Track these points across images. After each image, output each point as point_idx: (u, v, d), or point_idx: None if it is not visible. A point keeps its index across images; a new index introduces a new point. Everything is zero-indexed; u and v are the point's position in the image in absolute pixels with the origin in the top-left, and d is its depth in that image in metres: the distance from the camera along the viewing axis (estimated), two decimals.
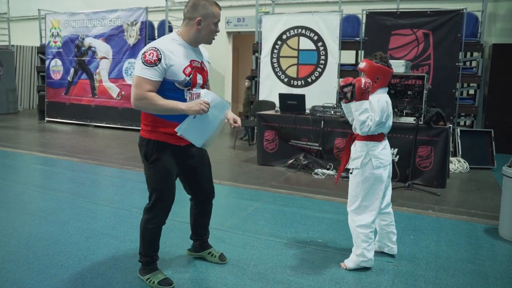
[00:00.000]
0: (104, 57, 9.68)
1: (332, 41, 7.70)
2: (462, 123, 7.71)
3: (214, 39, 2.67)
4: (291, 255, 3.34)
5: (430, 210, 4.55)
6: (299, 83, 8.09)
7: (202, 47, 2.75)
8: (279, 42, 8.18)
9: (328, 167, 6.04)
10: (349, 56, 8.51)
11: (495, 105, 7.80)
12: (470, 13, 7.00)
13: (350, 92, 2.93)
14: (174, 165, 2.66)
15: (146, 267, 2.80)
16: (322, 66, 7.86)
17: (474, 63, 7.87)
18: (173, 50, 2.50)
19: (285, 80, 8.19)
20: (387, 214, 3.28)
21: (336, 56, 7.70)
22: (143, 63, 2.41)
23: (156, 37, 9.69)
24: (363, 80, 2.89)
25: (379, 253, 3.39)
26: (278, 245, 3.53)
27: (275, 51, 8.23)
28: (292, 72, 8.14)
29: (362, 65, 3.05)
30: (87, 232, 3.65)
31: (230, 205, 4.61)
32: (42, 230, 3.69)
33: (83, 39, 10.01)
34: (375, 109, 2.94)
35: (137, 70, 2.44)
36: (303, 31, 7.93)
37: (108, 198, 4.67)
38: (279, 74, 8.23)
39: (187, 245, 3.28)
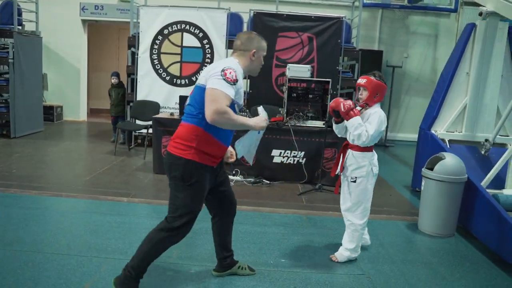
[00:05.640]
0: None
1: (218, 39, 7.45)
2: None
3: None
4: (269, 284, 3.07)
5: None
6: (183, 82, 7.62)
7: None
8: (159, 37, 7.54)
9: (234, 173, 5.83)
10: None
11: None
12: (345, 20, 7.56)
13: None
14: (208, 185, 2.68)
15: (129, 283, 2.64)
16: (207, 65, 7.50)
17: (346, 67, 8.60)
18: (239, 76, 2.56)
19: (167, 78, 7.61)
20: None
21: (223, 55, 7.47)
22: (224, 79, 2.43)
23: None
24: (341, 104, 3.19)
25: (348, 268, 3.39)
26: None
27: (155, 46, 7.56)
28: (175, 70, 7.60)
29: (362, 81, 3.21)
30: None
31: None
32: None
33: None
34: (372, 122, 3.15)
35: (216, 85, 2.43)
36: (187, 27, 7.47)
37: None
38: (160, 72, 7.60)
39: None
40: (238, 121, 2.49)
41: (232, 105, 2.51)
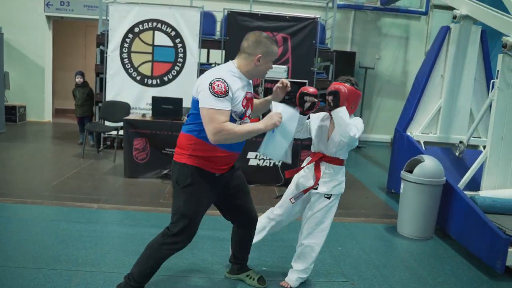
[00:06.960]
0: None
1: (191, 38, 7.26)
2: None
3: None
4: None
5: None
6: (154, 82, 7.40)
7: None
8: (130, 35, 7.29)
9: None
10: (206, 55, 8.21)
11: None
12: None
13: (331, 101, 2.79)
14: (209, 193, 2.58)
15: None
16: (180, 65, 7.35)
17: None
18: (233, 82, 2.43)
19: (138, 78, 7.38)
20: None
21: (196, 55, 7.31)
22: (213, 95, 2.33)
23: None
24: (344, 88, 2.77)
25: (330, 275, 3.31)
26: (235, 283, 3.09)
27: (126, 45, 7.31)
28: (146, 69, 7.38)
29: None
30: None
31: (139, 237, 3.79)
32: None
33: None
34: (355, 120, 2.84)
35: (207, 103, 2.34)
36: (159, 25, 7.26)
37: None
38: (131, 72, 7.36)
39: None
40: (243, 131, 2.41)
41: (230, 118, 2.42)
